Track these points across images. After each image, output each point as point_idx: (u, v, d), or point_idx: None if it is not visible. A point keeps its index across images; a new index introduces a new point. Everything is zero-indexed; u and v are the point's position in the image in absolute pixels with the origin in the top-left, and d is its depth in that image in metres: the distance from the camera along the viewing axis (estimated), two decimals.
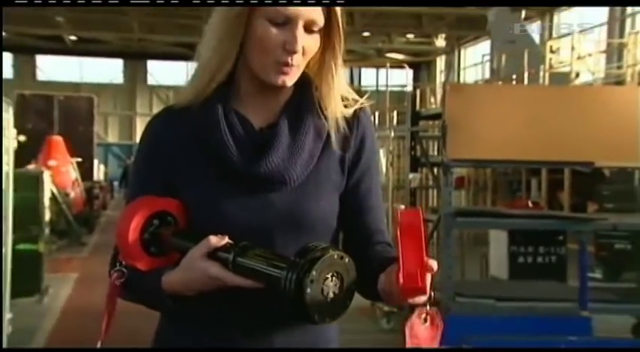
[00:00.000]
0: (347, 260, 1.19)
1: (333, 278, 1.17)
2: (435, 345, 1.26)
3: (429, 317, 1.25)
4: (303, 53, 1.35)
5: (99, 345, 1.36)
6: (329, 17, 1.36)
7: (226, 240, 1.26)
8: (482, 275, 8.07)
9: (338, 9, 1.37)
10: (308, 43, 1.34)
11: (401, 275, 1.14)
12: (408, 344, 1.24)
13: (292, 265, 1.15)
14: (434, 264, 1.17)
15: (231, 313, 1.35)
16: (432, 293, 1.22)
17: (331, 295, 1.16)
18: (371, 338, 6.21)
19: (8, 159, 5.83)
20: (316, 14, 1.33)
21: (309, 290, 1.13)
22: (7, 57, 33.73)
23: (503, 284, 7.32)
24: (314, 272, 1.13)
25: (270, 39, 1.32)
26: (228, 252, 1.25)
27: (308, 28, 1.33)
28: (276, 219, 1.34)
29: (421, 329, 1.24)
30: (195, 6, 18.10)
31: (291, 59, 1.33)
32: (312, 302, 1.14)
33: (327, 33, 1.38)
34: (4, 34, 30.30)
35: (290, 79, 1.36)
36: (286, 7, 1.31)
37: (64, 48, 31.98)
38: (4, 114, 5.60)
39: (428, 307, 1.24)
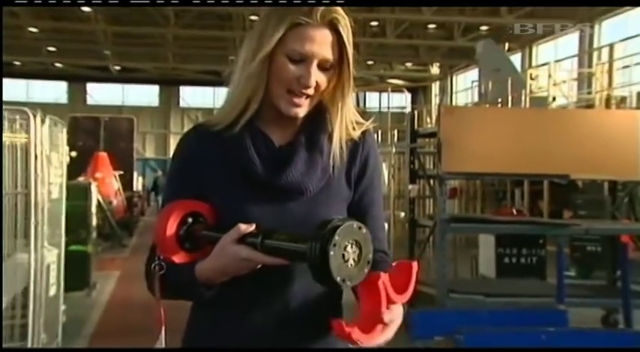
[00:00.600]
0: (364, 230, 1.17)
1: (353, 246, 1.15)
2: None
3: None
4: (316, 87, 1.35)
5: (163, 331, 1.34)
6: (341, 57, 1.36)
7: (253, 226, 1.26)
8: (473, 274, 8.05)
9: (350, 52, 1.36)
10: (320, 79, 1.35)
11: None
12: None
13: (316, 236, 1.13)
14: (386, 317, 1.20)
15: (254, 296, 1.34)
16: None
17: (351, 261, 1.15)
18: None
19: (62, 172, 5.81)
20: (329, 54, 1.34)
21: (332, 252, 1.11)
22: (63, 85, 34.21)
23: (491, 282, 7.33)
24: (336, 237, 1.12)
25: (287, 73, 1.33)
26: (255, 236, 1.24)
27: (322, 66, 1.34)
28: (292, 224, 1.32)
29: (347, 329, 1.20)
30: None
31: (305, 91, 1.34)
32: (335, 266, 1.12)
33: (339, 70, 1.38)
34: (59, 65, 30.67)
35: (302, 111, 1.37)
36: (303, 47, 1.31)
37: (109, 76, 32.11)
38: (60, 134, 5.60)
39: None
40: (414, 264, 1.26)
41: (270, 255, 1.22)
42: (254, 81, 1.35)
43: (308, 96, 1.35)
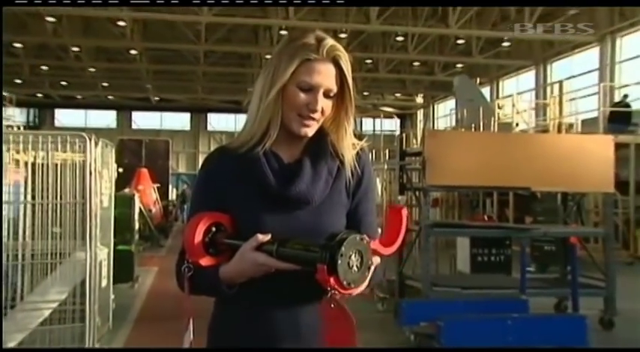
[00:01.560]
0: (365, 241, 1.16)
1: (356, 254, 1.14)
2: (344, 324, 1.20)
3: (338, 302, 1.18)
4: (322, 112, 1.34)
5: (191, 322, 1.32)
6: (342, 86, 1.35)
7: (269, 236, 1.24)
8: (452, 271, 7.98)
9: (350, 82, 1.35)
10: (325, 105, 1.34)
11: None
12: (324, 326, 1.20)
13: (325, 246, 1.13)
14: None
15: (267, 293, 1.31)
16: (339, 283, 1.13)
17: (355, 267, 1.14)
18: (369, 317, 6.04)
19: (111, 185, 5.81)
20: (332, 85, 1.33)
21: (339, 261, 1.11)
22: (113, 113, 34.35)
23: (467, 277, 7.28)
24: (343, 249, 1.11)
25: (298, 100, 1.32)
26: (272, 244, 1.22)
27: (326, 94, 1.33)
28: (300, 230, 1.29)
29: (332, 311, 1.18)
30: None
31: (313, 115, 1.33)
32: (342, 272, 1.12)
33: (341, 98, 1.37)
34: (111, 97, 30.87)
35: (310, 131, 1.36)
36: (312, 79, 1.30)
37: (150, 105, 32.30)
38: (110, 154, 5.60)
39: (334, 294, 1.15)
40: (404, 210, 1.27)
41: (283, 261, 1.21)
42: (272, 109, 1.33)
43: (315, 119, 1.34)
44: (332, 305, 1.16)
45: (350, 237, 1.14)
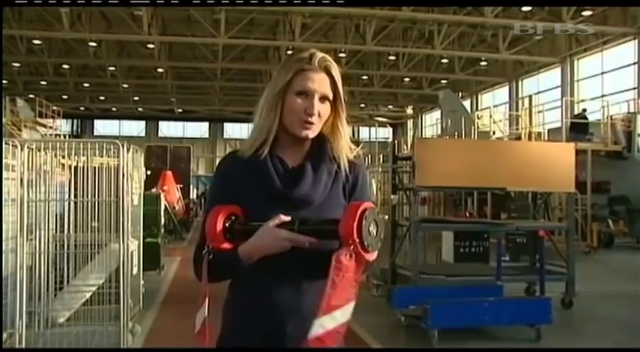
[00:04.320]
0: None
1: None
2: (358, 274, 1.16)
3: (353, 254, 1.14)
4: (319, 115, 1.32)
5: (206, 304, 1.28)
6: (336, 94, 1.33)
7: (290, 218, 1.23)
8: (437, 260, 7.92)
9: (341, 89, 1.33)
10: (321, 109, 1.32)
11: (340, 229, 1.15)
12: (332, 270, 1.14)
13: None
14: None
15: (275, 277, 1.28)
16: (360, 239, 1.14)
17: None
18: (365, 301, 5.95)
19: (140, 186, 5.81)
20: (327, 91, 1.32)
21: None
22: (142, 123, 34.51)
23: (450, 266, 7.22)
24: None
25: (297, 105, 1.30)
26: (292, 223, 1.22)
27: (322, 99, 1.32)
28: None
29: (344, 260, 1.14)
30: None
31: (311, 119, 1.30)
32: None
33: (335, 104, 1.34)
34: (141, 109, 31.04)
35: (311, 133, 1.33)
36: (307, 85, 1.29)
37: (174, 116, 32.47)
38: (139, 159, 5.60)
39: (352, 247, 1.14)
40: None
41: (304, 235, 1.20)
42: (273, 113, 1.32)
43: (313, 122, 1.32)
44: (347, 255, 1.14)
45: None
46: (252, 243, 1.25)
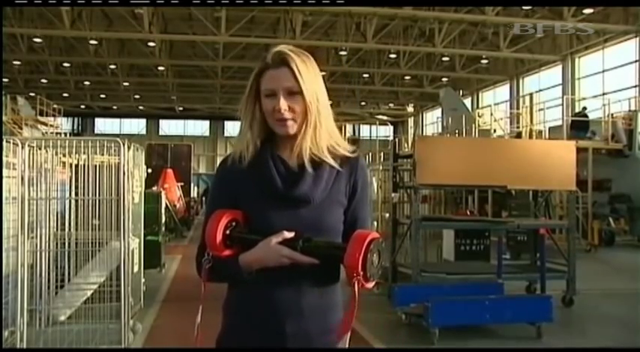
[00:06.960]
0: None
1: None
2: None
3: (355, 283, 1.17)
4: (293, 110, 1.28)
5: (200, 308, 1.29)
6: (300, 88, 1.27)
7: (293, 234, 1.23)
8: (438, 258, 7.93)
9: (304, 80, 1.27)
10: (291, 103, 1.28)
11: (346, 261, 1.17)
12: (351, 300, 1.19)
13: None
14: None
15: (275, 279, 1.28)
16: (364, 272, 1.16)
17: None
18: (367, 299, 5.86)
19: (141, 184, 5.80)
20: (291, 84, 1.27)
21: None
22: (143, 121, 34.44)
23: (451, 264, 7.22)
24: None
25: (267, 106, 1.29)
26: (296, 240, 1.22)
27: (290, 94, 1.28)
28: (303, 226, 1.26)
29: (356, 290, 1.17)
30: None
31: (283, 116, 1.28)
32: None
33: (302, 96, 1.28)
34: (141, 107, 31.07)
35: (290, 129, 1.30)
36: (268, 85, 1.28)
37: (174, 114, 32.40)
38: (140, 157, 5.58)
39: (355, 277, 1.17)
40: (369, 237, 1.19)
41: (306, 255, 1.21)
42: (249, 115, 1.33)
43: (286, 118, 1.28)
44: (357, 289, 1.17)
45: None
46: (253, 254, 1.26)
